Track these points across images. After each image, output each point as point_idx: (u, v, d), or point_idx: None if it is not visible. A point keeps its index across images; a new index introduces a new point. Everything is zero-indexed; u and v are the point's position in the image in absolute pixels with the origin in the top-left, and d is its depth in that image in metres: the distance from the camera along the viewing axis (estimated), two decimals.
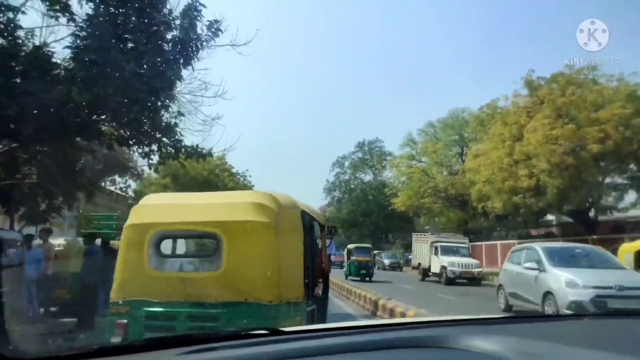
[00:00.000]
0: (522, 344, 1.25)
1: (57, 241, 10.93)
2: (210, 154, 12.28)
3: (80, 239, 10.45)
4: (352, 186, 54.45)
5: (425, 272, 24.26)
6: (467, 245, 24.21)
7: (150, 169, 13.10)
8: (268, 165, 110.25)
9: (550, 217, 28.96)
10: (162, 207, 4.55)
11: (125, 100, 8.09)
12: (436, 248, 23.09)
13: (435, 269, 22.86)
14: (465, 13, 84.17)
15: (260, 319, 3.72)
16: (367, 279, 22.33)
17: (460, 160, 32.84)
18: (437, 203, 29.36)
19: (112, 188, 38.12)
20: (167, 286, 3.96)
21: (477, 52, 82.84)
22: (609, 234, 21.75)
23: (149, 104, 8.68)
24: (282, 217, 4.13)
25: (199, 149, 12.13)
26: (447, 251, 22.49)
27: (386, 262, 35.95)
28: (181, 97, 13.18)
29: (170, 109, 9.59)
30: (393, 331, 1.55)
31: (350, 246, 25.16)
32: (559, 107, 22.66)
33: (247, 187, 47.55)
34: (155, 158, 12.31)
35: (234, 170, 45.54)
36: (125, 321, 3.87)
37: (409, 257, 42.18)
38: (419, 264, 25.53)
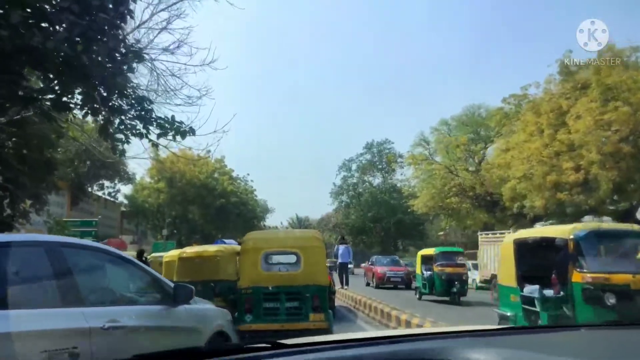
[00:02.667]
0: (520, 356, 1.25)
1: None
2: (192, 130, 9.11)
3: None
4: (360, 190, 51.06)
5: None
6: None
7: (115, 153, 9.92)
8: (269, 167, 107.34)
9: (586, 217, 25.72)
10: (265, 239, 8.26)
11: (33, 22, 4.94)
12: None
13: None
14: (473, 8, 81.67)
15: (321, 292, 6.97)
16: None
17: (480, 156, 29.65)
18: (464, 203, 25.88)
19: (100, 193, 35.13)
20: (272, 279, 7.13)
21: (495, 46, 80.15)
22: None
23: (81, 36, 5.51)
24: (322, 243, 7.74)
25: (176, 123, 8.99)
26: None
27: None
28: (159, 63, 10.21)
29: (119, 50, 6.36)
30: (393, 344, 1.51)
31: (523, 235, 7.64)
32: (608, 89, 19.47)
33: (248, 191, 44.54)
34: (121, 138, 9.22)
35: (234, 174, 42.50)
36: (250, 297, 6.92)
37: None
38: (493, 276, 16.86)
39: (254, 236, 8.06)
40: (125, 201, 37.73)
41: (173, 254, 13.24)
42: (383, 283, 20.94)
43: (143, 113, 8.74)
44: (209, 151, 37.74)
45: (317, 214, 76.53)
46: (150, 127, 8.98)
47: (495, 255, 17.30)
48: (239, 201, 39.22)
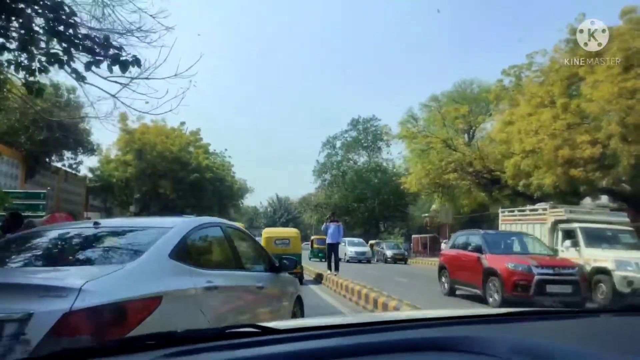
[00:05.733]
0: (538, 345, 1.12)
1: None
2: (137, 61, 6.47)
3: None
4: (344, 168, 48.67)
5: None
6: (631, 228, 13.15)
7: (31, 92, 7.16)
8: (248, 145, 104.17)
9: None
10: (274, 231, 16.88)
11: None
12: (569, 232, 12.27)
13: None
14: None
15: (298, 256, 13.11)
16: None
17: (479, 128, 27.50)
18: (464, 179, 23.61)
19: (59, 165, 31.79)
20: (277, 250, 12.97)
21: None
22: None
23: None
24: (299, 235, 15.86)
25: (112, 47, 6.37)
26: (598, 239, 11.77)
27: (388, 253, 30.89)
28: None
29: None
30: (396, 331, 1.35)
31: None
32: (630, 54, 17.37)
33: (225, 167, 41.60)
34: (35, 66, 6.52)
35: (210, 149, 39.45)
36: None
37: (407, 249, 36.78)
38: None
39: (269, 230, 16.72)
40: (90, 174, 34.45)
41: None
42: (526, 295, 9.43)
43: (62, 28, 6.11)
44: (183, 123, 34.62)
45: (297, 194, 74.26)
46: (75, 52, 6.38)
47: None
48: (214, 177, 36.35)
